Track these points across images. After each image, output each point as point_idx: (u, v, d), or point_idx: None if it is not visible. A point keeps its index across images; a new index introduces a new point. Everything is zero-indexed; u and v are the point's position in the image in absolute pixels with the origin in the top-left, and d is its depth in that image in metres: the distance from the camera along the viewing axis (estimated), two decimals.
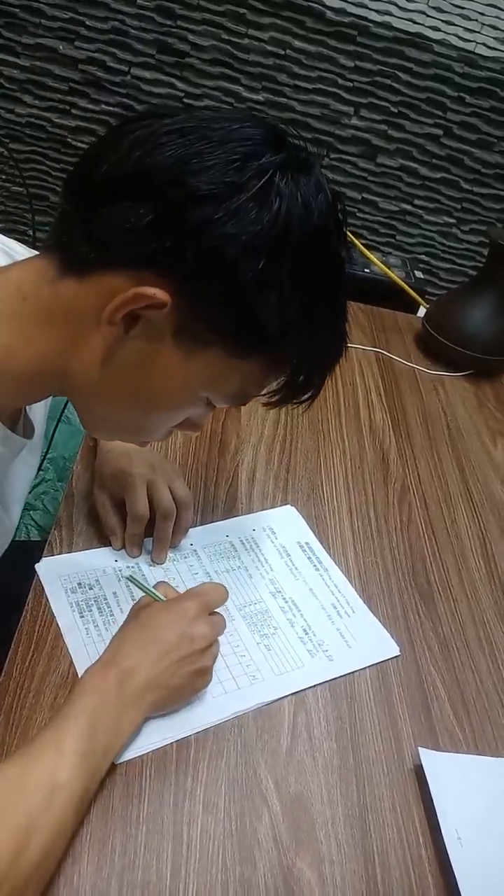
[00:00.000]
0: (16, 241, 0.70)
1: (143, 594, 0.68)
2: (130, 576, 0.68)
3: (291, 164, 0.50)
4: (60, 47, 1.96)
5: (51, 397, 0.76)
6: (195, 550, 0.81)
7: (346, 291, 0.56)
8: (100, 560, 0.76)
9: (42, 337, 0.53)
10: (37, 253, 0.56)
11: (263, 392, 0.59)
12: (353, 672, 0.72)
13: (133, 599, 0.73)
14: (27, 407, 0.67)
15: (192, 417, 0.61)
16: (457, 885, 0.56)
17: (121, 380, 0.54)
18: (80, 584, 0.73)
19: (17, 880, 0.46)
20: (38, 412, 0.72)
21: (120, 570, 0.76)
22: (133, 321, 0.51)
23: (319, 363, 0.57)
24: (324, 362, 0.57)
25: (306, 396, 0.59)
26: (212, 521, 0.85)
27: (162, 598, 0.66)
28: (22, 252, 0.69)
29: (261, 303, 0.50)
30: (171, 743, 0.61)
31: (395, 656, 0.74)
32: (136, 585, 0.67)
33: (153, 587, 0.68)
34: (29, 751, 0.52)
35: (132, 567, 0.77)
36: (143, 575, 0.76)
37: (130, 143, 0.49)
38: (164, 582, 0.71)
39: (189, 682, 0.62)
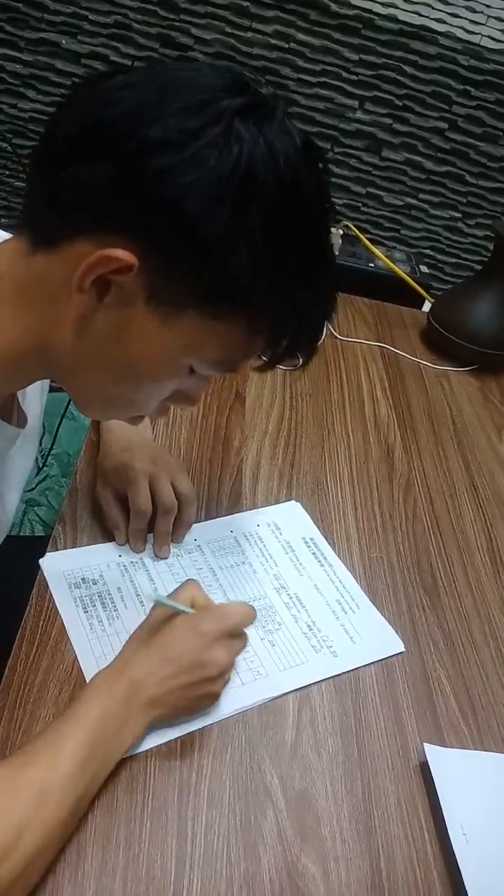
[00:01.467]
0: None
1: (152, 596, 0.66)
2: (157, 599, 0.64)
3: (253, 108, 0.47)
4: (63, 42, 1.95)
5: (48, 393, 0.76)
6: (199, 546, 0.81)
7: (329, 247, 0.52)
8: (103, 555, 0.76)
9: (20, 315, 0.52)
10: None
11: (252, 357, 0.56)
12: (357, 668, 0.71)
13: (137, 596, 0.73)
14: (20, 397, 0.66)
15: (184, 389, 0.59)
16: (462, 881, 0.56)
17: (100, 351, 0.52)
18: (83, 579, 0.73)
19: (4, 878, 0.46)
20: (33, 402, 0.71)
21: (125, 567, 0.76)
22: (105, 288, 0.48)
23: (303, 324, 0.53)
24: (308, 323, 0.54)
25: (299, 361, 0.56)
26: (216, 517, 0.85)
27: (190, 610, 0.63)
28: None
29: (229, 258, 0.47)
30: (175, 738, 0.61)
31: (400, 652, 0.74)
32: (163, 606, 0.63)
33: (175, 594, 0.64)
34: (28, 751, 0.52)
35: (135, 562, 0.76)
36: (148, 571, 0.76)
37: (87, 102, 0.47)
38: (193, 580, 0.66)
39: (194, 706, 0.61)
